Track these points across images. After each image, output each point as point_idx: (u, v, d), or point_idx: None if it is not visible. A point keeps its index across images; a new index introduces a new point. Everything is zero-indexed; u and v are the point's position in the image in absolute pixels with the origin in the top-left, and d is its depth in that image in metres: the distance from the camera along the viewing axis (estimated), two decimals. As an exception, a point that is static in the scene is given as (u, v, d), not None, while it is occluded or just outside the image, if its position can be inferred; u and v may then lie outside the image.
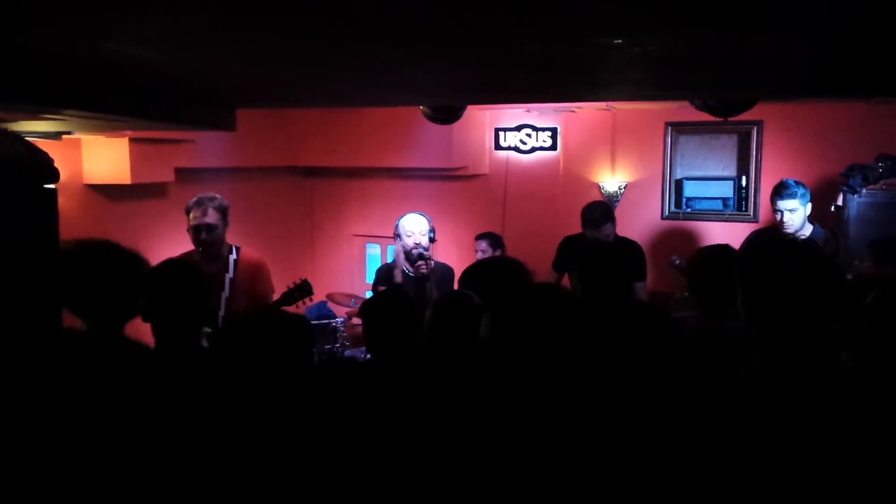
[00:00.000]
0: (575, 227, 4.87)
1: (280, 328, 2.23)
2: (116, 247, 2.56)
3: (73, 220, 4.88)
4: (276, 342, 2.19)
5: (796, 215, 4.21)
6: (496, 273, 2.96)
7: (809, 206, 4.26)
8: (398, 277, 4.21)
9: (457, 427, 2.05)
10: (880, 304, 2.26)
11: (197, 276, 2.59)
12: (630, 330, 2.13)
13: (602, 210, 4.82)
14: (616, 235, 4.89)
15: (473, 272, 2.96)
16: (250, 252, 4.02)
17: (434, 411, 2.13)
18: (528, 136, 6.33)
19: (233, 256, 3.90)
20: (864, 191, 4.70)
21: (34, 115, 3.02)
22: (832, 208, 4.83)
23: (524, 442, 1.94)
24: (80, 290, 2.45)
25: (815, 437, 1.72)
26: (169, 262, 2.72)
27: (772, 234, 4.43)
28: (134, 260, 2.55)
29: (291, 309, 3.72)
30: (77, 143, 4.93)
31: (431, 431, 2.07)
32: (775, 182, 4.43)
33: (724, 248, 2.88)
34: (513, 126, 6.38)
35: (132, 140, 4.88)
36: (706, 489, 1.75)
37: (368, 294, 5.79)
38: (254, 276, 3.92)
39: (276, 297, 3.89)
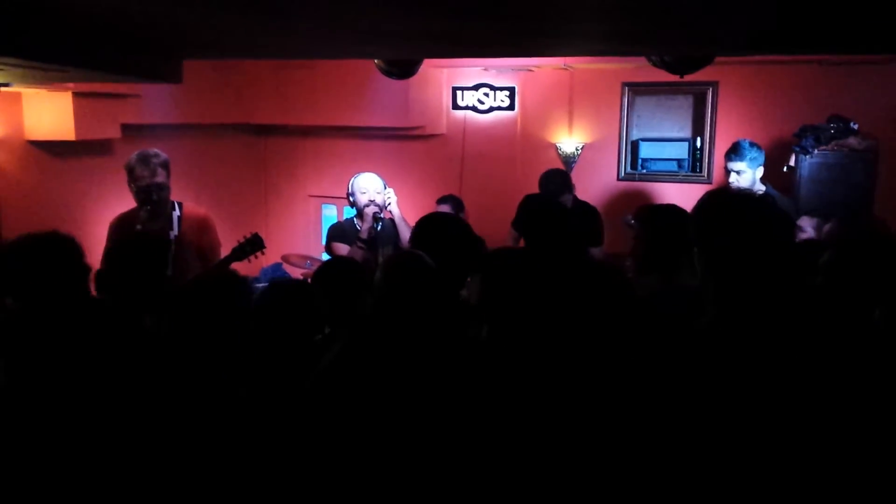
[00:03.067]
0: (532, 188, 4.85)
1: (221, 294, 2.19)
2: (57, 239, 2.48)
3: (14, 178, 4.73)
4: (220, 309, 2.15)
5: (743, 177, 4.23)
6: (449, 233, 2.90)
7: (761, 169, 4.28)
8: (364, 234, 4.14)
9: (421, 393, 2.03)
10: (835, 263, 2.32)
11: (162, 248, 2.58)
12: (587, 289, 2.13)
13: (559, 180, 4.84)
14: (575, 199, 4.89)
15: (426, 231, 2.90)
16: (194, 207, 3.91)
17: (393, 379, 2.09)
18: (486, 95, 6.28)
19: (176, 213, 3.79)
20: (815, 151, 4.76)
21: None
22: (784, 168, 4.88)
23: (499, 410, 1.93)
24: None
25: (774, 381, 1.73)
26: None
27: (726, 191, 4.47)
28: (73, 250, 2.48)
29: (244, 264, 3.63)
30: (18, 97, 4.74)
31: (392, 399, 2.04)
32: (729, 144, 4.46)
33: (674, 207, 2.93)
34: (470, 85, 6.31)
35: (76, 94, 4.70)
36: (671, 437, 1.76)
37: (324, 256, 5.73)
38: (200, 231, 3.81)
39: (224, 251, 3.78)
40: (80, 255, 2.52)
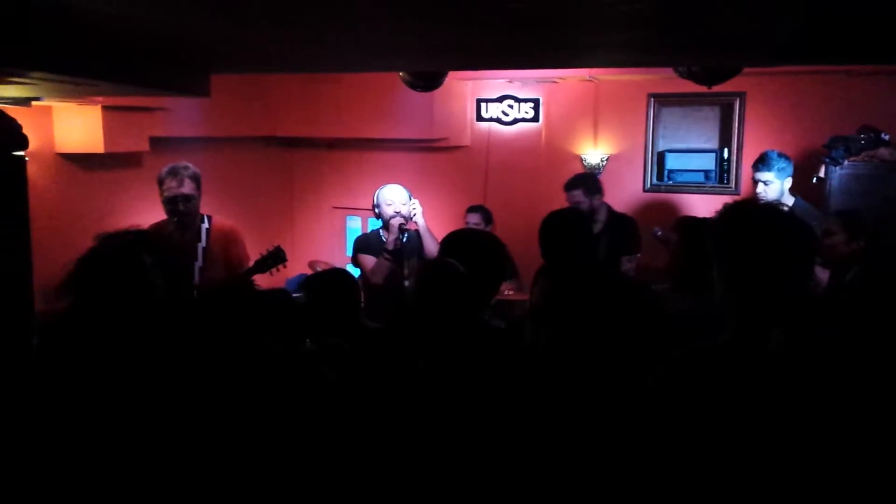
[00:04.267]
0: (558, 199, 4.83)
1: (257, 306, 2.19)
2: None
3: (44, 190, 4.79)
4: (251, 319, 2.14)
5: (771, 188, 4.19)
6: (480, 244, 2.92)
7: (789, 180, 4.23)
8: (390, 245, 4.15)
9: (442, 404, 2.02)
10: (862, 280, 2.27)
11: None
12: (609, 307, 2.11)
13: (574, 178, 4.81)
14: (609, 210, 4.81)
15: (458, 242, 2.92)
16: (222, 220, 3.95)
17: (419, 389, 2.08)
18: (510, 107, 6.27)
19: (205, 225, 3.84)
20: (846, 162, 4.69)
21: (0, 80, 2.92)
22: (814, 180, 4.82)
23: (516, 419, 1.92)
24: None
25: (794, 402, 1.70)
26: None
27: (745, 202, 4.40)
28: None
29: (266, 276, 3.66)
30: (48, 110, 4.81)
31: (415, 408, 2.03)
32: (757, 155, 4.41)
33: (703, 220, 2.85)
34: (495, 97, 6.30)
35: (105, 108, 4.77)
36: (689, 453, 1.73)
37: (350, 268, 5.75)
38: (227, 243, 3.85)
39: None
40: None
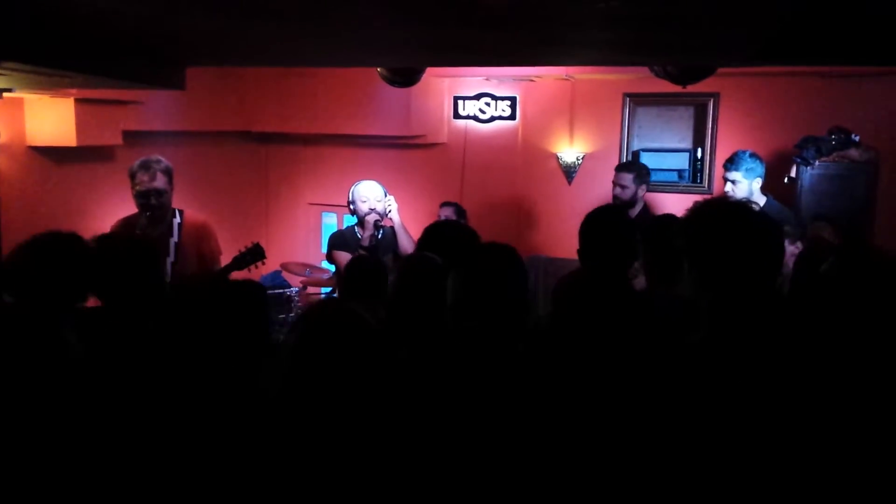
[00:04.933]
0: (534, 197, 4.84)
1: (235, 298, 2.16)
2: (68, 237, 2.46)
3: (15, 184, 4.72)
4: (231, 312, 2.12)
5: (739, 187, 4.21)
6: (458, 235, 2.95)
7: (759, 180, 4.26)
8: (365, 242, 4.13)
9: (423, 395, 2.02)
10: (836, 272, 2.30)
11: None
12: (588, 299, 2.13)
13: (627, 161, 5.01)
14: (646, 208, 4.71)
15: (438, 234, 2.95)
16: (195, 214, 3.91)
17: (401, 380, 2.08)
18: (487, 105, 6.28)
19: (177, 220, 3.79)
20: (817, 163, 4.76)
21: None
22: (786, 180, 4.88)
23: (498, 407, 1.92)
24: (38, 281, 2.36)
25: (769, 400, 1.72)
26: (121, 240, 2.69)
27: (714, 201, 4.44)
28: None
29: (244, 273, 3.63)
30: (20, 102, 4.74)
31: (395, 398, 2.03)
32: (729, 154, 4.45)
33: (671, 216, 2.88)
34: (472, 95, 6.32)
35: (78, 100, 4.70)
36: (665, 454, 1.75)
37: (324, 264, 5.73)
38: (199, 238, 3.82)
39: (224, 259, 3.79)
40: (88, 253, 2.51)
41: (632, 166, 4.81)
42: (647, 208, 4.75)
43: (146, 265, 2.67)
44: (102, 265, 2.51)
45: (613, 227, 2.88)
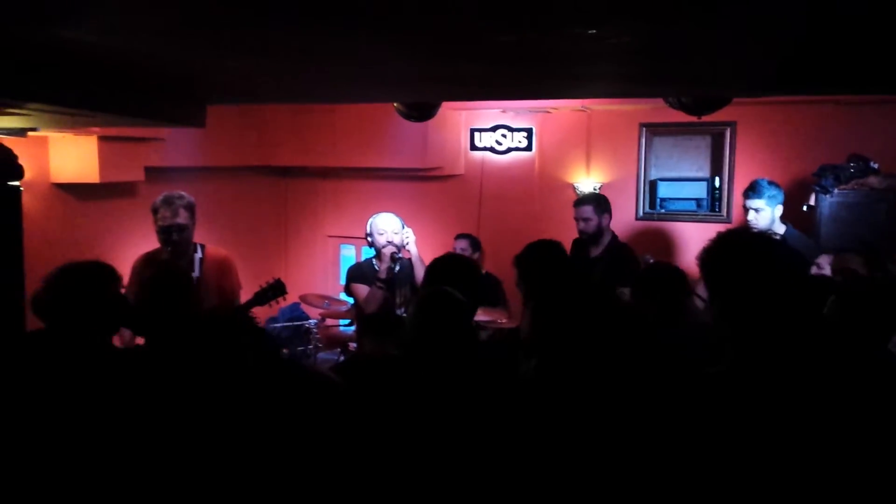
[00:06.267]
0: (551, 228, 4.84)
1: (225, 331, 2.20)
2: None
3: (39, 220, 4.80)
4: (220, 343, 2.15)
5: (762, 215, 4.20)
6: (469, 269, 2.99)
7: (780, 207, 4.25)
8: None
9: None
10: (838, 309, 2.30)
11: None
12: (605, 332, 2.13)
13: (585, 194, 4.98)
14: (614, 237, 4.71)
15: (445, 268, 2.97)
16: (216, 249, 3.95)
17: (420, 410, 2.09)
18: (504, 136, 6.32)
19: (198, 255, 3.83)
20: (835, 191, 4.73)
21: (-3, 110, 2.94)
22: (804, 208, 4.86)
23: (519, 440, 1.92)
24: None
25: (793, 431, 1.70)
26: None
27: (737, 232, 4.41)
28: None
29: (264, 309, 3.67)
30: (44, 140, 4.84)
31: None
32: (748, 183, 4.44)
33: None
34: (488, 127, 6.36)
35: (101, 138, 4.80)
36: (687, 483, 1.74)
37: (343, 296, 5.75)
38: (220, 273, 3.85)
39: (245, 294, 3.82)
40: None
41: (589, 199, 4.75)
42: (615, 238, 4.69)
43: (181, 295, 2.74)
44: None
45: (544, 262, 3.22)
